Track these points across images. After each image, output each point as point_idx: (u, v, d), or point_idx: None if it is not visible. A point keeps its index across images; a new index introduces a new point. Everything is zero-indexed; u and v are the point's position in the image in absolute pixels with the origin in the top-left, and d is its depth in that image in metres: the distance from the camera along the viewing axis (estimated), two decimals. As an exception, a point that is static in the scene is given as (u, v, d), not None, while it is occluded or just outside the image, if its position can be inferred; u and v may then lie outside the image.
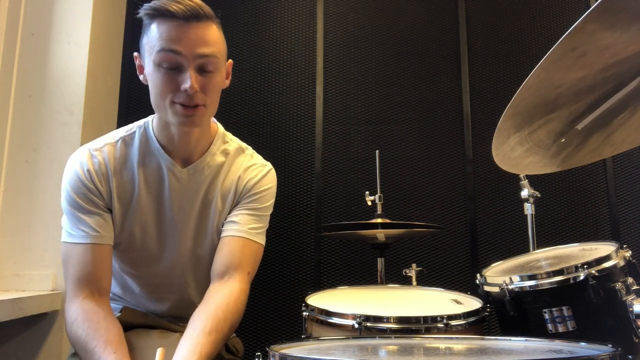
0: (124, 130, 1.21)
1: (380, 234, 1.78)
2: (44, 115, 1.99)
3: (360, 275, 2.34)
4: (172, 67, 1.05)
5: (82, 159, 1.16)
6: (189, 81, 1.04)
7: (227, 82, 1.19)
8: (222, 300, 1.09)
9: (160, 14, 1.05)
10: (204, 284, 1.23)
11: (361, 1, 2.61)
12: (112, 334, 1.03)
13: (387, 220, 1.77)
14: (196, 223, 1.22)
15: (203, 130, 1.20)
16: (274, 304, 2.35)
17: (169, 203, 1.19)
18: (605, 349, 0.75)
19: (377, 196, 1.92)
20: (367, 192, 1.95)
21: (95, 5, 2.10)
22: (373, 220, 1.78)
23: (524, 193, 1.72)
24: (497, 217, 2.39)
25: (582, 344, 0.82)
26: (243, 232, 1.20)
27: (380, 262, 1.89)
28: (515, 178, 1.72)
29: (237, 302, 1.11)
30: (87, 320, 1.05)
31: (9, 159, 1.96)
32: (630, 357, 0.91)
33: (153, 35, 1.06)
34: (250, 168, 1.27)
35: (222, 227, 1.23)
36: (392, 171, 2.42)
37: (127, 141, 1.20)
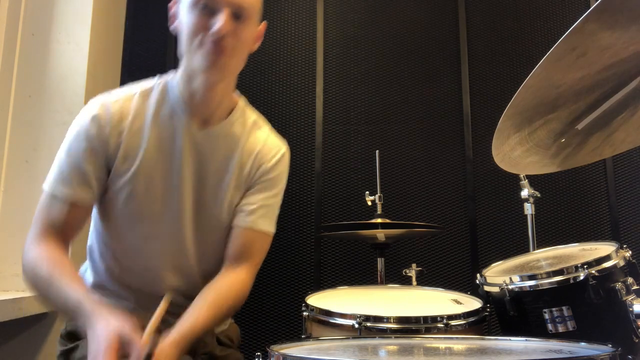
0: (141, 85, 1.18)
1: (380, 234, 1.78)
2: (44, 115, 1.99)
3: (360, 275, 2.34)
4: (206, 9, 1.06)
5: (96, 109, 1.12)
6: (220, 21, 1.04)
7: (256, 46, 1.18)
8: (227, 282, 1.13)
9: None
10: (206, 253, 1.19)
11: (361, 1, 2.61)
12: (77, 276, 1.05)
13: (387, 220, 1.76)
14: (203, 189, 1.17)
15: (226, 89, 1.18)
16: (274, 304, 2.35)
17: (179, 164, 1.14)
18: (605, 349, 0.75)
19: (377, 196, 1.92)
20: (367, 192, 1.95)
21: (95, 5, 2.10)
22: (373, 220, 1.78)
23: (524, 193, 1.71)
24: (497, 217, 2.39)
25: (582, 344, 0.82)
26: (259, 224, 1.20)
27: (380, 262, 1.89)
28: (515, 178, 1.72)
29: (241, 289, 1.14)
30: (55, 261, 1.05)
31: (9, 159, 1.96)
32: (630, 357, 0.91)
33: None
34: (267, 147, 1.24)
35: (237, 208, 1.20)
36: (392, 171, 2.42)
37: (144, 95, 1.16)
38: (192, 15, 1.07)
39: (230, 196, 1.19)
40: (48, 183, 1.11)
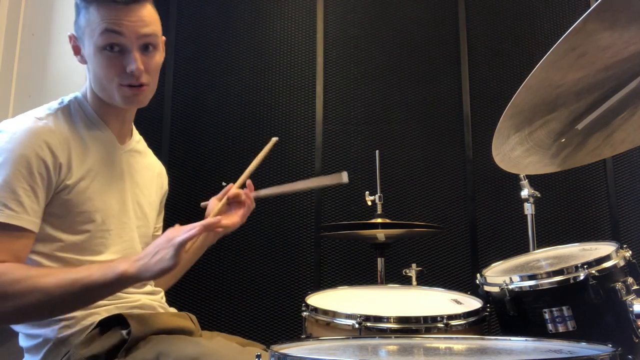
0: (55, 104, 1.14)
1: (380, 234, 1.78)
2: (44, 115, 1.99)
3: (360, 275, 2.34)
4: (115, 50, 1.06)
5: (33, 127, 1.04)
6: (134, 63, 1.06)
7: (162, 57, 1.20)
8: None
9: None
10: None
11: (361, 1, 2.61)
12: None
13: (387, 220, 1.77)
14: (139, 200, 1.23)
15: (134, 112, 1.22)
16: (274, 304, 2.35)
17: (122, 180, 1.18)
18: (605, 349, 0.75)
19: (377, 196, 1.92)
20: (367, 192, 1.94)
21: (95, 5, 2.10)
22: (373, 220, 1.78)
23: (524, 193, 1.71)
24: (497, 217, 2.39)
25: (582, 344, 0.82)
26: None
27: (380, 262, 1.89)
28: (515, 178, 1.72)
29: None
30: (25, 267, 0.97)
31: (9, 159, 1.96)
32: (630, 357, 0.91)
33: (94, 19, 1.06)
34: (163, 168, 1.36)
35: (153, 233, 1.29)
36: (392, 171, 2.42)
37: (65, 114, 1.12)
38: (102, 56, 1.07)
39: (153, 209, 1.28)
40: None
